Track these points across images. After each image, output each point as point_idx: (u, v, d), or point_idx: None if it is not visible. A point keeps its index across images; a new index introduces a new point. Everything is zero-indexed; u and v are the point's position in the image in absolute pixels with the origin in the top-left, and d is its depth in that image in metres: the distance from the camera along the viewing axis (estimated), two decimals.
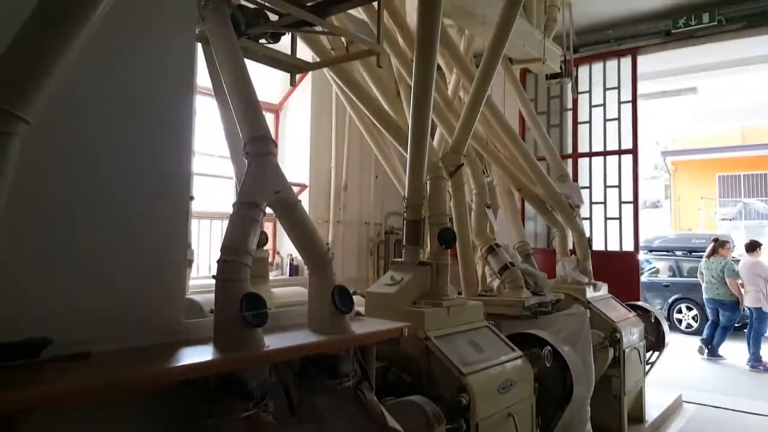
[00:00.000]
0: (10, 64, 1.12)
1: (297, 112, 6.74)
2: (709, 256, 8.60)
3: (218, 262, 1.91)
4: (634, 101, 6.98)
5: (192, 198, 5.36)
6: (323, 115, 6.57)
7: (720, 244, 8.54)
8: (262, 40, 2.80)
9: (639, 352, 4.73)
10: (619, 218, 7.12)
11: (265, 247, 4.25)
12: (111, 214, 1.80)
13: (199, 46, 2.53)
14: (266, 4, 2.49)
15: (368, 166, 6.93)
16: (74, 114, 1.69)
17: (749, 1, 6.02)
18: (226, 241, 1.94)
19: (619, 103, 7.10)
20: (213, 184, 5.81)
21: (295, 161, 6.66)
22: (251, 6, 2.61)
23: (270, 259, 6.29)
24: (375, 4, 2.93)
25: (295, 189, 6.40)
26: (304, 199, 6.52)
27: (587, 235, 5.35)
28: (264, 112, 6.94)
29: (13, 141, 1.13)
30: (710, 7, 6.19)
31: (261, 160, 2.10)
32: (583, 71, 7.29)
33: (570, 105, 7.39)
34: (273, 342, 1.89)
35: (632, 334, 4.62)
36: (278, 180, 2.15)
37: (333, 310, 2.15)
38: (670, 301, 11.03)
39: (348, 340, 2.17)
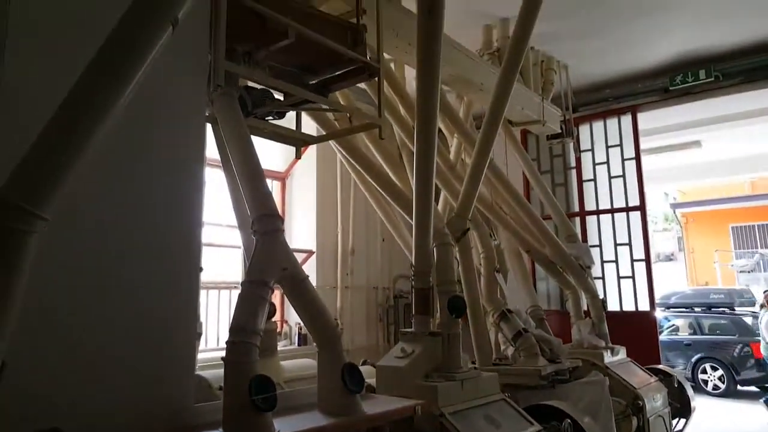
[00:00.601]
0: (31, 165, 1.15)
1: (303, 179, 6.84)
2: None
3: (227, 343, 1.89)
4: (637, 158, 7.04)
5: (201, 269, 5.37)
6: (328, 180, 6.67)
7: None
8: (269, 118, 2.88)
9: (664, 419, 4.48)
10: (633, 277, 7.02)
11: (274, 318, 4.21)
12: (120, 293, 1.80)
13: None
14: (272, 88, 2.56)
15: (374, 230, 6.96)
16: (85, 195, 1.72)
17: (744, 57, 6.16)
18: (235, 321, 1.93)
19: (623, 160, 7.16)
20: (221, 253, 5.83)
21: (301, 227, 6.70)
22: (258, 87, 2.70)
23: (278, 329, 6.22)
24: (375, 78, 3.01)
25: (302, 255, 6.50)
26: (311, 265, 6.53)
27: (601, 295, 5.25)
28: (270, 180, 7.03)
29: (32, 239, 1.15)
30: (706, 64, 6.33)
31: (268, 237, 2.11)
32: (584, 130, 7.40)
33: (574, 163, 7.45)
34: (283, 426, 1.84)
35: (655, 401, 4.39)
36: (286, 257, 2.15)
37: (343, 390, 2.10)
38: (693, 360, 10.33)
39: (359, 421, 2.10)
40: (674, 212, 19.07)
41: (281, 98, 2.82)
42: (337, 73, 2.92)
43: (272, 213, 2.14)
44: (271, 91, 2.76)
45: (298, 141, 3.20)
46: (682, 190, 18.56)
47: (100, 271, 1.77)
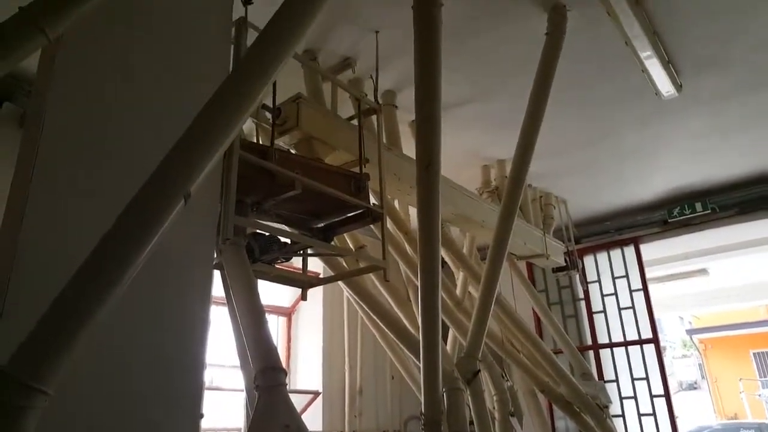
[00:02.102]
0: (39, 341, 1.18)
1: (309, 314, 6.79)
2: None
3: None
4: (645, 289, 7.00)
5: (202, 416, 5.16)
6: (335, 317, 6.62)
7: None
8: (276, 262, 2.96)
9: None
10: (654, 414, 6.65)
11: None
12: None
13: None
14: (277, 234, 2.66)
15: (383, 367, 6.76)
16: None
17: (738, 189, 6.36)
18: None
19: (630, 291, 7.12)
20: (223, 396, 5.65)
21: (307, 366, 6.53)
22: (265, 233, 2.80)
23: None
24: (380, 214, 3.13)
25: (308, 397, 6.27)
26: (317, 407, 6.27)
27: None
28: (276, 316, 6.97)
29: (34, 413, 1.15)
30: (702, 197, 6.52)
31: (271, 392, 2.07)
32: (589, 261, 7.45)
33: (582, 295, 7.42)
34: None
35: None
36: (288, 413, 2.09)
37: None
38: None
39: None
40: (691, 338, 18.48)
41: (288, 241, 2.92)
42: (342, 217, 3.06)
43: (275, 366, 2.13)
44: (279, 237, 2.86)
45: (305, 283, 3.25)
46: (696, 316, 18.15)
47: (103, 410, 1.73)
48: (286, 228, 2.93)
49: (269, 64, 1.67)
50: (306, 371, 6.52)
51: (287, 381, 6.68)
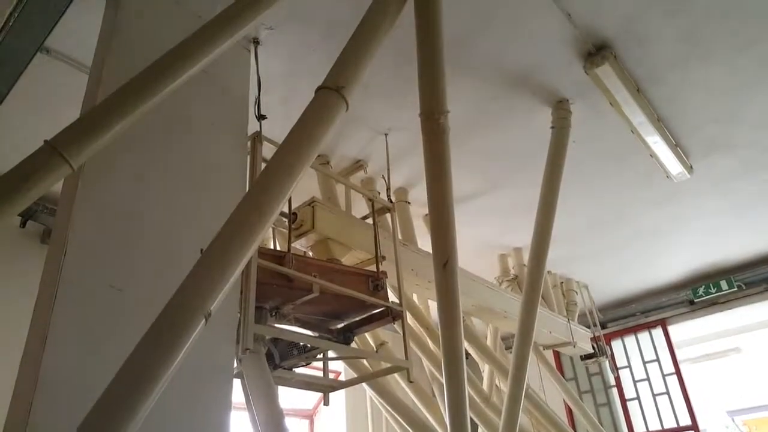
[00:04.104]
0: None
1: (332, 416, 6.58)
2: None
3: None
4: (678, 372, 6.73)
5: None
6: (358, 418, 6.40)
7: None
8: (296, 368, 2.92)
9: None
10: None
11: None
12: None
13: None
14: (296, 340, 2.66)
15: None
16: None
17: (762, 265, 6.25)
18: None
19: (663, 375, 6.85)
20: None
21: None
22: (285, 339, 2.80)
23: None
24: (399, 321, 3.11)
25: None
26: None
27: None
28: (298, 419, 6.75)
29: None
30: (726, 274, 6.41)
31: None
32: (617, 345, 7.24)
33: (613, 382, 7.13)
34: None
35: None
36: None
37: None
38: None
39: None
40: (733, 420, 17.39)
41: (308, 345, 2.91)
42: (361, 317, 3.05)
43: None
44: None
45: (326, 387, 3.19)
46: (738, 396, 17.18)
47: None
48: (306, 332, 2.92)
49: (287, 178, 1.74)
50: None
51: None
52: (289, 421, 6.51)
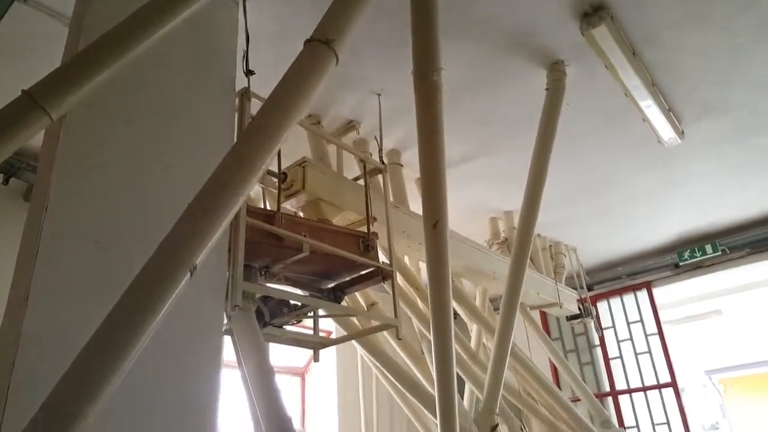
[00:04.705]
0: (48, 411, 1.17)
1: (323, 373, 6.70)
2: None
3: None
4: (660, 334, 6.89)
5: None
6: (349, 375, 6.51)
7: None
8: (287, 326, 2.95)
9: None
10: None
11: None
12: None
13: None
14: (286, 297, 2.67)
15: (401, 425, 6.61)
16: None
17: (747, 230, 6.34)
18: None
19: (646, 336, 7.01)
20: None
21: (322, 425, 6.39)
22: (275, 297, 2.81)
23: None
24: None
25: None
26: None
27: None
28: (290, 376, 6.86)
29: None
30: (711, 238, 6.50)
31: None
32: (602, 307, 7.37)
33: (597, 341, 7.30)
34: None
35: None
36: None
37: None
38: None
39: None
40: (710, 379, 18.02)
41: (299, 303, 2.93)
42: (351, 277, 3.07)
43: (287, 428, 2.10)
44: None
45: (316, 344, 3.23)
46: (716, 356, 17.73)
47: None
48: (296, 291, 2.93)
49: (274, 132, 1.70)
50: (322, 430, 6.38)
51: None
52: (280, 379, 6.62)
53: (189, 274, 1.38)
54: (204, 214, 1.39)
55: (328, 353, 6.60)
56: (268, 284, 2.78)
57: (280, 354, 6.04)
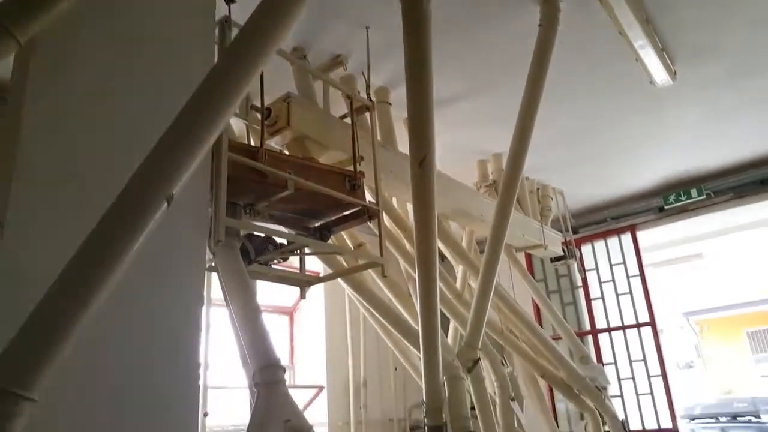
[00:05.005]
0: (22, 347, 1.18)
1: (311, 312, 6.82)
2: None
3: None
4: (642, 275, 7.06)
5: (206, 414, 5.15)
6: (337, 313, 6.65)
7: None
8: (273, 262, 2.96)
9: None
10: (651, 393, 6.77)
11: None
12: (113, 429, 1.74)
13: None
14: (271, 235, 2.67)
15: (386, 359, 6.80)
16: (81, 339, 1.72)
17: (732, 174, 6.39)
18: None
19: (628, 277, 7.17)
20: (228, 394, 5.68)
21: (310, 362, 6.56)
22: (260, 234, 2.81)
23: None
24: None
25: (312, 391, 6.30)
26: (322, 401, 6.31)
27: (621, 413, 5.07)
28: (278, 315, 6.96)
29: (20, 420, 1.15)
30: (696, 182, 6.56)
31: (270, 389, 2.09)
32: (586, 250, 7.49)
33: (580, 283, 7.46)
34: None
35: None
36: (288, 408, 2.11)
37: None
38: None
39: None
40: (687, 320, 18.73)
41: (284, 242, 2.93)
42: (338, 216, 3.07)
43: (273, 363, 2.14)
44: (274, 237, 2.87)
45: (303, 282, 3.26)
46: (694, 298, 18.35)
47: (97, 412, 1.73)
48: (281, 228, 2.93)
49: (253, 57, 1.64)
50: (309, 367, 6.57)
51: (290, 377, 6.75)
52: (268, 318, 6.75)
53: (166, 203, 1.36)
54: (180, 141, 1.36)
55: (316, 294, 6.70)
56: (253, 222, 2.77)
57: (268, 294, 6.12)
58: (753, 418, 10.79)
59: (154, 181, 1.32)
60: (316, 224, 3.12)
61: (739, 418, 10.86)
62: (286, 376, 6.84)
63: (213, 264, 2.59)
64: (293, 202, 2.78)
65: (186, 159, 1.35)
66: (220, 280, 2.82)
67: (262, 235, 2.82)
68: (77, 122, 1.76)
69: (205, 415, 4.62)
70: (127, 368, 1.86)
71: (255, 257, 2.75)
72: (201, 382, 4.91)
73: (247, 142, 3.41)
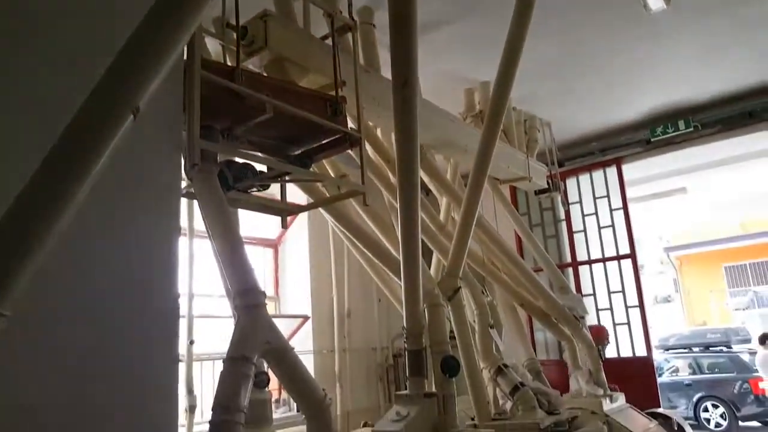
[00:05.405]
0: None
1: (295, 245, 6.85)
2: None
3: (210, 423, 1.87)
4: (625, 208, 7.14)
5: (192, 342, 5.22)
6: (321, 245, 6.67)
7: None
8: (252, 190, 2.91)
9: None
10: (628, 323, 7.01)
11: (269, 387, 4.12)
12: (93, 368, 1.75)
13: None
14: (251, 161, 2.61)
15: (370, 291, 6.91)
16: (56, 269, 1.70)
17: (720, 107, 6.35)
18: (217, 400, 1.90)
19: (611, 210, 7.25)
20: (215, 324, 5.76)
21: (295, 293, 6.65)
22: (239, 161, 2.74)
23: (277, 396, 6.06)
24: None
25: (298, 321, 6.41)
26: (307, 330, 6.45)
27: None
28: (263, 248, 6.96)
29: None
30: (684, 115, 6.53)
31: (250, 312, 2.10)
32: (571, 183, 7.52)
33: (563, 216, 7.53)
34: None
35: None
36: (269, 330, 2.13)
37: None
38: (694, 400, 10.61)
39: None
40: (668, 255, 19.20)
41: (264, 170, 2.87)
42: (319, 143, 3.00)
43: (253, 287, 2.14)
44: (253, 163, 2.81)
45: (283, 211, 3.23)
46: (675, 234, 18.72)
47: (74, 346, 1.73)
48: (261, 155, 2.87)
49: None
50: (295, 298, 6.66)
51: (276, 308, 6.77)
52: (253, 250, 6.76)
53: (132, 115, 1.30)
54: (145, 48, 1.28)
55: (300, 226, 6.71)
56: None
57: (253, 227, 6.12)
58: (725, 348, 11.36)
59: (118, 91, 1.25)
60: (297, 152, 3.05)
61: (711, 348, 11.38)
62: (272, 306, 6.96)
63: (192, 191, 2.55)
64: (272, 127, 2.69)
65: (151, 67, 1.27)
66: (198, 203, 2.79)
67: (241, 161, 2.76)
68: (35, 23, 1.66)
69: (191, 342, 4.71)
70: (104, 297, 1.84)
71: (234, 184, 2.70)
72: (186, 312, 4.97)
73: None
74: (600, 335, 6.01)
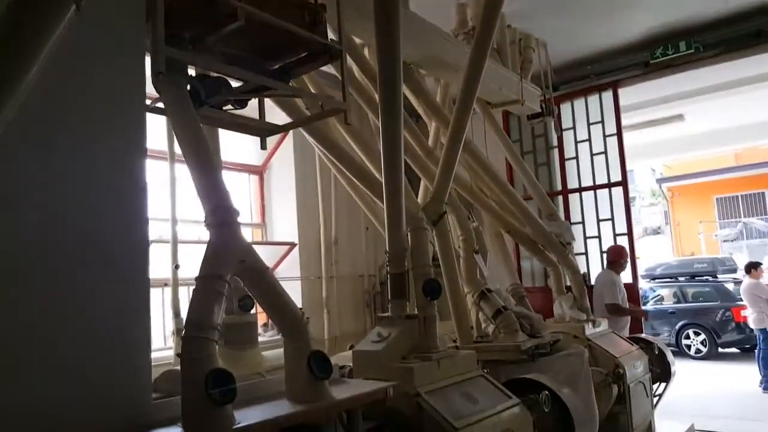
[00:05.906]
0: None
1: (281, 171, 6.74)
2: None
3: (182, 338, 1.84)
4: (619, 134, 7.01)
5: (177, 267, 5.20)
6: (307, 171, 6.57)
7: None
8: (228, 107, 2.77)
9: (645, 385, 4.63)
10: None
11: (254, 311, 4.14)
12: (61, 296, 1.70)
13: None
14: (223, 74, 2.46)
15: (357, 219, 6.88)
16: (16, 193, 1.63)
17: (723, 27, 6.10)
18: (189, 317, 1.88)
19: (604, 136, 7.13)
20: (201, 249, 5.74)
21: (282, 221, 6.61)
22: (212, 74, 2.59)
23: (265, 320, 6.14)
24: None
25: (285, 248, 6.40)
26: (294, 257, 6.45)
27: (583, 270, 5.26)
28: (248, 174, 6.84)
29: None
30: (686, 35, 6.28)
31: (222, 229, 2.03)
32: (565, 108, 7.34)
33: (555, 142, 7.41)
34: (246, 416, 1.81)
35: (636, 368, 4.52)
36: (242, 249, 2.07)
37: (310, 377, 2.06)
38: (677, 327, 11.02)
39: (326, 407, 2.08)
40: (660, 187, 19.24)
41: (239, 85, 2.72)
42: (297, 56, 2.83)
43: (224, 205, 2.06)
44: (228, 78, 2.65)
45: (262, 131, 3.09)
46: (667, 165, 18.68)
47: (39, 272, 1.68)
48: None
49: None
50: (282, 226, 6.62)
51: (263, 235, 6.70)
52: (238, 176, 6.65)
53: (75, 7, 1.17)
54: None
55: (286, 153, 6.57)
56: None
57: (235, 151, 5.98)
58: (710, 278, 11.64)
59: None
60: (274, 66, 2.89)
61: (697, 278, 11.63)
62: (259, 233, 6.88)
63: (161, 106, 2.42)
64: (246, 37, 2.52)
65: None
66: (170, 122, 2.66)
67: (215, 75, 2.61)
68: None
69: (177, 267, 4.69)
70: (69, 223, 1.76)
71: (206, 99, 2.56)
72: (170, 237, 4.89)
73: None
74: (620, 254, 6.07)
